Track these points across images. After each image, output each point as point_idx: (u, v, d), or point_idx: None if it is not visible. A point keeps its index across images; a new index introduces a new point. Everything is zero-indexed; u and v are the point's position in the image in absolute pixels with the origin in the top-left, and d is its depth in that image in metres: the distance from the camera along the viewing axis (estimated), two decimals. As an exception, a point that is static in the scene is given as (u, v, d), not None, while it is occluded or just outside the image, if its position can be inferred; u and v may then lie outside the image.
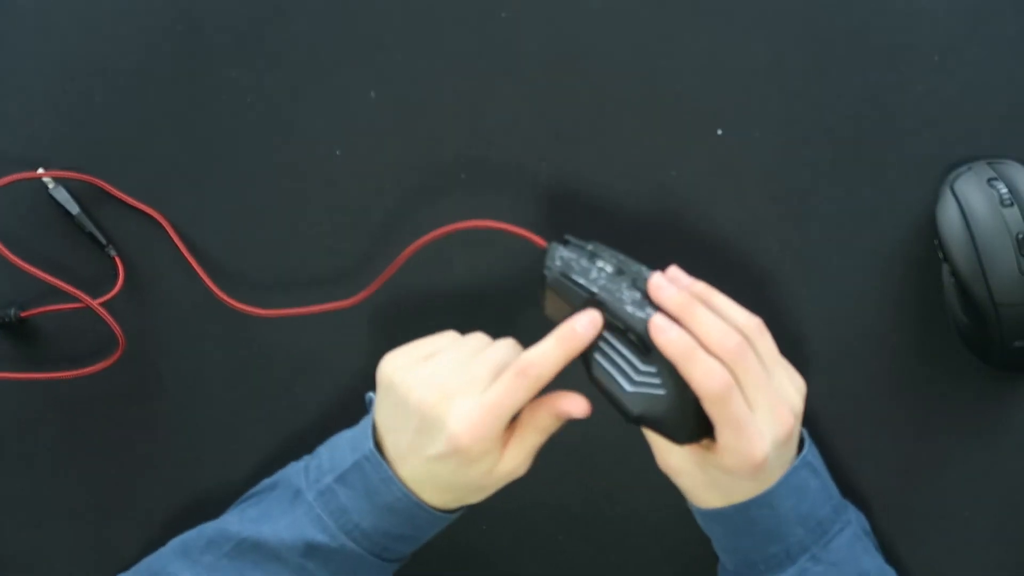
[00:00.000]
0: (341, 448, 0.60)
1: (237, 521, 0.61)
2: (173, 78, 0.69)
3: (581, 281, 0.58)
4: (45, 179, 0.68)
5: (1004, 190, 0.63)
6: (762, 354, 0.56)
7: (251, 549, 0.59)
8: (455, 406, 0.56)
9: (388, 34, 0.69)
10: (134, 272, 0.69)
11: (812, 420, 0.67)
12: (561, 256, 0.59)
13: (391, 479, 0.58)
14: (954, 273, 0.64)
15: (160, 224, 0.68)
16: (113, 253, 0.68)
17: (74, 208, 0.68)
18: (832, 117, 0.67)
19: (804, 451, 0.60)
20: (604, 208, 0.68)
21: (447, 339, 0.61)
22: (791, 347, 0.68)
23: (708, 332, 0.55)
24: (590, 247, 0.60)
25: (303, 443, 0.64)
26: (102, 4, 0.69)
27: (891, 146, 0.67)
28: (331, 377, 0.69)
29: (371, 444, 0.59)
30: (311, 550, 0.59)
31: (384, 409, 0.59)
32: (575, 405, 0.58)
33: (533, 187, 0.68)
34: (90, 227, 0.68)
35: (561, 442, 0.67)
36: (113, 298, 0.67)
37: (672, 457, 0.59)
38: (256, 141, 0.69)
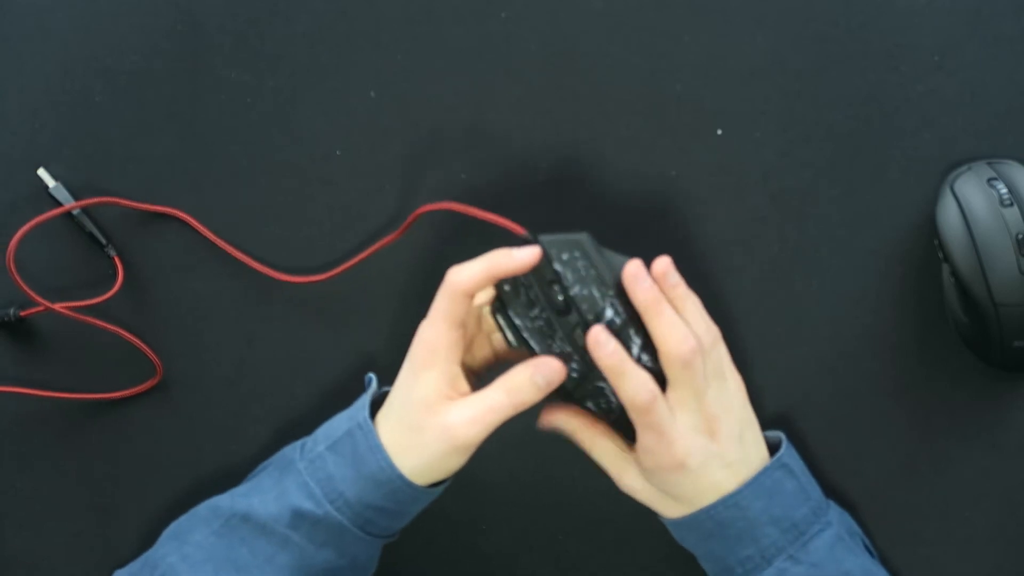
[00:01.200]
0: (337, 421, 0.61)
1: (228, 497, 0.62)
2: (173, 78, 0.69)
3: (516, 322, 0.59)
4: (45, 178, 0.68)
5: (1004, 190, 0.63)
6: (711, 363, 0.59)
7: (240, 523, 0.60)
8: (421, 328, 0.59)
9: (388, 34, 0.69)
10: (134, 272, 0.69)
11: (812, 420, 0.67)
12: (515, 278, 0.59)
13: (377, 447, 0.59)
14: (954, 273, 0.64)
15: (180, 219, 0.68)
16: (113, 253, 0.68)
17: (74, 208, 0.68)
18: (832, 117, 0.67)
19: (780, 453, 0.61)
20: (604, 208, 0.68)
21: None
22: (791, 347, 0.68)
23: (668, 333, 0.57)
24: (564, 256, 0.59)
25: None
26: (102, 4, 0.69)
27: (891, 146, 0.67)
28: (331, 377, 0.69)
29: (365, 415, 0.60)
30: (297, 518, 0.59)
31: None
32: (552, 366, 0.58)
33: (533, 187, 0.68)
34: (90, 227, 0.68)
35: (561, 442, 0.67)
36: (113, 298, 0.67)
37: (625, 477, 0.62)
38: (256, 141, 0.69)
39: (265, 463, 0.64)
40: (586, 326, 0.58)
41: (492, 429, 0.58)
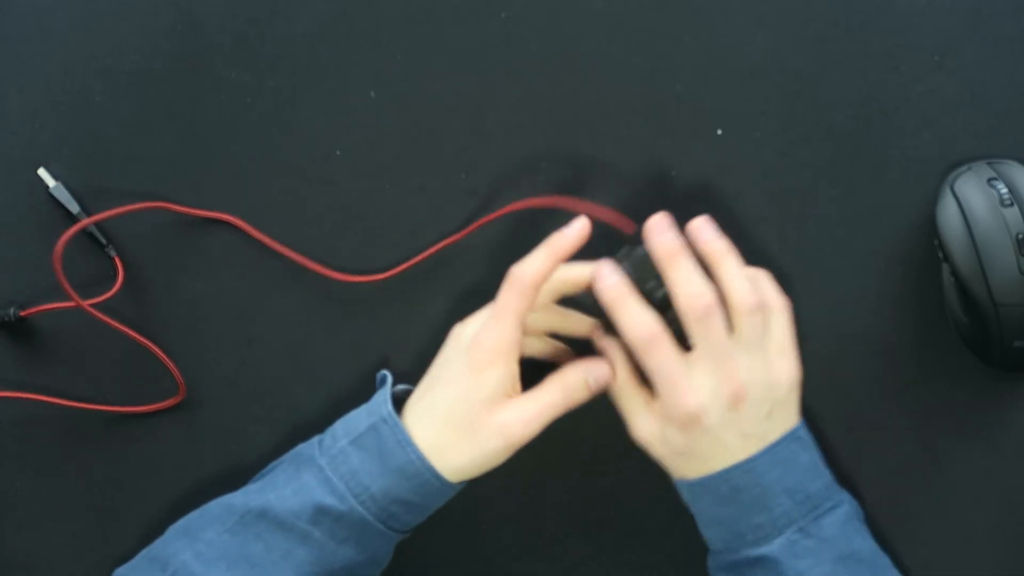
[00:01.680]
0: (356, 416, 0.62)
1: (242, 495, 0.62)
2: (173, 78, 0.69)
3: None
4: (45, 178, 0.68)
5: (1004, 190, 0.63)
6: (749, 328, 0.58)
7: (256, 520, 0.60)
8: (465, 329, 0.61)
9: (388, 34, 0.69)
10: (134, 272, 0.69)
11: (812, 420, 0.67)
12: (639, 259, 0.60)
13: (407, 441, 0.59)
14: (954, 273, 0.64)
15: (162, 217, 0.68)
16: (113, 253, 0.68)
17: (74, 208, 0.68)
18: (832, 117, 0.67)
19: (796, 426, 0.60)
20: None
21: None
22: (791, 347, 0.68)
23: (682, 286, 0.58)
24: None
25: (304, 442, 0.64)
26: (102, 4, 0.69)
27: (891, 146, 0.67)
28: (331, 377, 0.69)
29: (389, 408, 0.60)
30: (320, 514, 0.59)
31: (429, 372, 0.62)
32: (603, 370, 0.61)
33: (533, 187, 0.68)
34: (90, 227, 0.68)
35: (561, 442, 0.67)
36: (112, 298, 0.67)
37: (639, 423, 0.61)
38: (256, 141, 0.69)
39: (276, 462, 0.64)
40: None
41: (544, 427, 0.60)
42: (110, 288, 0.68)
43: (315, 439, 0.63)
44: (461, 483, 0.61)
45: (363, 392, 0.64)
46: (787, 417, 0.61)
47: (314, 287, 0.69)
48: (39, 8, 0.69)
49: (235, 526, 0.60)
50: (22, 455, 0.69)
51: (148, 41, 0.69)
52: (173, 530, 0.62)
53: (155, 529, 0.64)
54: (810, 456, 0.61)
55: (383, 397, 0.61)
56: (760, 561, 0.59)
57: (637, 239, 0.60)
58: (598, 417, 0.69)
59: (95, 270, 0.69)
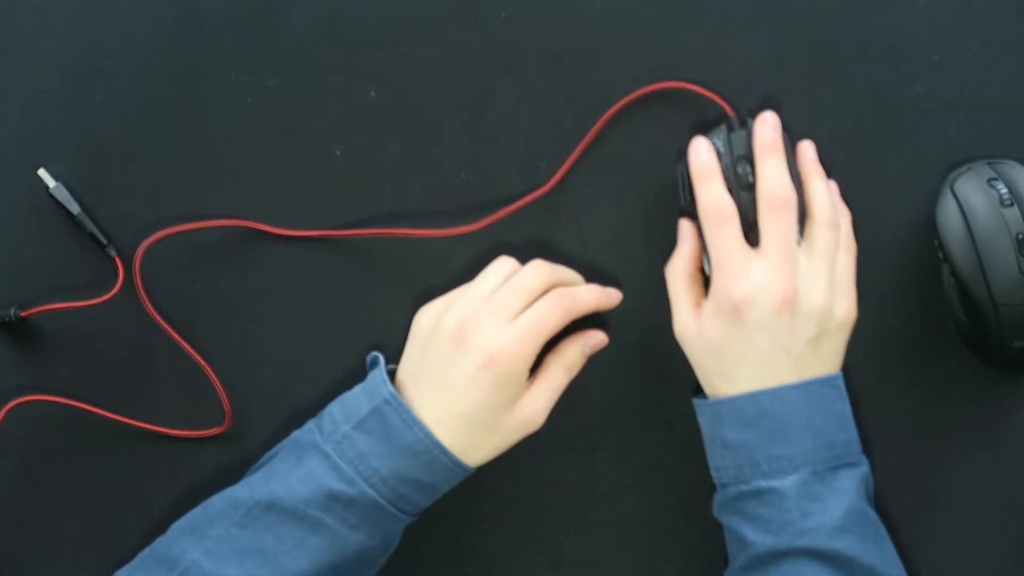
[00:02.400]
0: (354, 400, 0.62)
1: (246, 487, 0.61)
2: (173, 78, 0.69)
3: (689, 187, 0.62)
4: (45, 178, 0.68)
5: (1004, 190, 0.63)
6: (816, 238, 0.60)
7: (264, 512, 0.60)
8: (487, 329, 0.60)
9: (388, 34, 0.69)
10: (134, 272, 0.69)
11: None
12: (713, 144, 0.62)
13: (413, 419, 0.60)
14: (954, 273, 0.64)
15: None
16: (113, 253, 0.68)
17: (75, 208, 0.68)
18: (832, 117, 0.67)
19: (836, 374, 0.60)
20: (604, 208, 0.68)
21: (474, 280, 0.64)
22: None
23: (769, 176, 0.60)
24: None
25: (303, 443, 0.64)
26: (102, 4, 0.69)
27: (891, 146, 0.67)
28: (329, 377, 0.69)
29: (390, 388, 0.60)
30: (330, 500, 0.59)
31: (414, 354, 0.63)
32: (599, 337, 0.65)
33: (533, 187, 0.68)
34: (90, 227, 0.68)
35: (561, 441, 0.67)
36: (113, 298, 0.67)
37: (682, 317, 0.62)
38: (256, 141, 0.69)
39: (273, 451, 0.64)
40: None
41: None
42: (110, 288, 0.68)
43: (311, 424, 0.62)
44: (475, 466, 0.62)
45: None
46: (830, 357, 0.60)
47: (313, 288, 0.69)
48: (39, 8, 0.69)
49: (243, 519, 0.60)
50: (22, 455, 0.69)
51: (148, 41, 0.69)
52: (177, 528, 0.62)
53: (155, 530, 0.64)
54: (843, 407, 0.60)
55: (380, 378, 0.61)
56: (768, 493, 0.58)
57: (732, 125, 0.63)
58: (598, 416, 0.69)
59: (95, 270, 0.69)
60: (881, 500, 0.66)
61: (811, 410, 0.59)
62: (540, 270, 0.63)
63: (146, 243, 0.67)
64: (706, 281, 0.62)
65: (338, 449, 0.60)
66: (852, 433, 0.60)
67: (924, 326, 0.68)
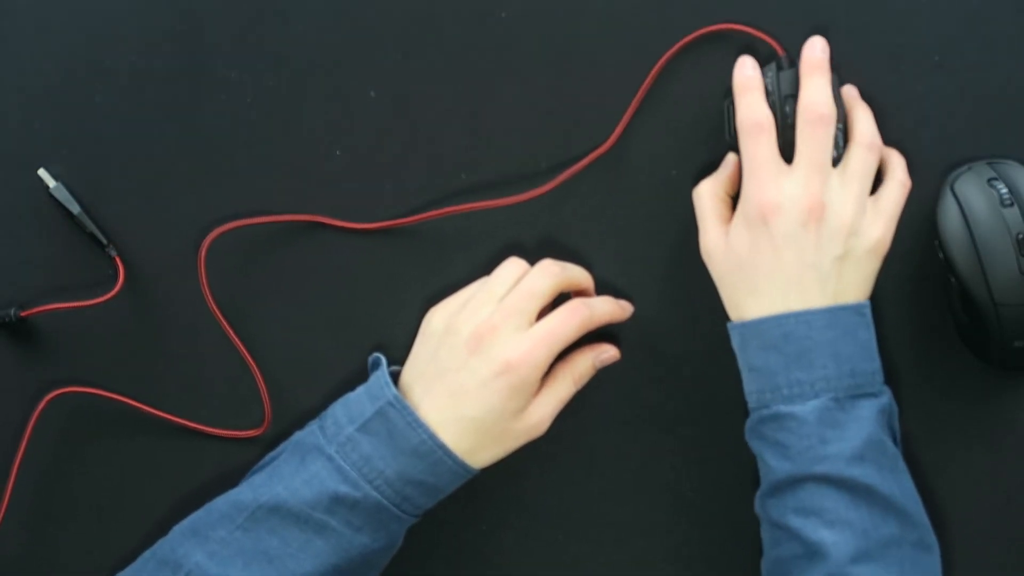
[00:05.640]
0: (357, 402, 0.62)
1: (248, 489, 0.61)
2: (173, 78, 0.69)
3: (734, 122, 0.62)
4: (45, 178, 0.68)
5: (1004, 190, 0.63)
6: (852, 160, 0.61)
7: (268, 515, 0.60)
8: (504, 336, 0.61)
9: (388, 34, 0.69)
10: (135, 272, 0.69)
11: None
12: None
13: (418, 422, 0.60)
14: (954, 273, 0.64)
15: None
16: (113, 253, 0.68)
17: (75, 208, 0.68)
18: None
19: (863, 304, 0.60)
20: (605, 208, 0.68)
21: (480, 282, 0.65)
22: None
23: (812, 92, 0.61)
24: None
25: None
26: (102, 4, 0.69)
27: (891, 146, 0.67)
28: (328, 377, 0.69)
29: (393, 391, 0.60)
30: (335, 502, 0.59)
31: (423, 356, 0.63)
32: (611, 352, 0.66)
33: (533, 187, 0.68)
34: (90, 227, 0.68)
35: (561, 442, 0.67)
36: (113, 298, 0.67)
37: (710, 233, 0.63)
38: (256, 141, 0.69)
39: (275, 452, 0.64)
40: None
41: None
42: (110, 288, 0.68)
43: (314, 425, 0.63)
44: (479, 467, 0.62)
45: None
46: (858, 283, 0.60)
47: (312, 288, 0.69)
48: (39, 8, 0.69)
49: (246, 522, 0.60)
50: (23, 454, 0.69)
51: (148, 41, 0.69)
52: (179, 530, 0.62)
53: (155, 531, 0.64)
54: (868, 337, 0.60)
55: (384, 380, 0.61)
56: (787, 418, 0.58)
57: (781, 64, 0.63)
58: (598, 416, 0.69)
59: (95, 270, 0.69)
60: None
61: (835, 336, 0.59)
62: (550, 271, 0.63)
63: (212, 236, 0.67)
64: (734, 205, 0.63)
65: (342, 451, 0.60)
66: (876, 363, 0.60)
67: (924, 326, 0.68)
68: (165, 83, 0.69)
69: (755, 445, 0.61)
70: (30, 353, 0.69)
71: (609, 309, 0.65)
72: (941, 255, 0.65)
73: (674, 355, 0.68)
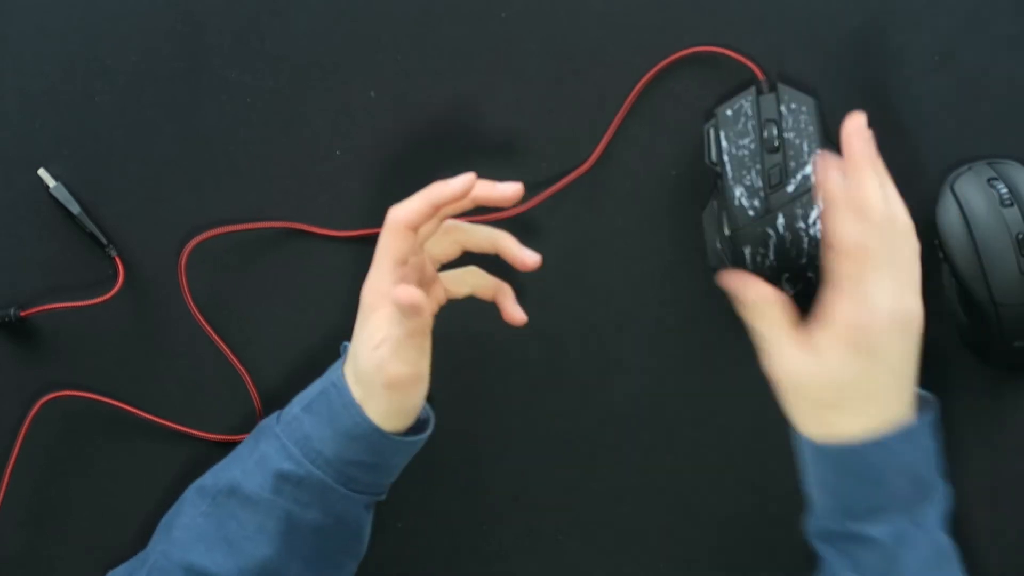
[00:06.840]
0: (312, 385, 0.62)
1: (211, 476, 0.62)
2: (173, 78, 0.69)
3: (723, 143, 0.63)
4: (45, 178, 0.68)
5: (1004, 190, 0.63)
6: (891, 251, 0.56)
7: (226, 498, 0.60)
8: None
9: (388, 34, 0.69)
10: (134, 272, 0.69)
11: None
12: (741, 106, 0.63)
13: (351, 403, 0.59)
14: (954, 273, 0.64)
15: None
16: (113, 253, 0.68)
17: (75, 208, 0.68)
18: (832, 117, 0.67)
19: (935, 404, 0.59)
20: (605, 208, 0.68)
21: None
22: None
23: (866, 190, 0.56)
24: (793, 105, 0.63)
25: (303, 443, 0.64)
26: (102, 4, 0.69)
27: (891, 146, 0.67)
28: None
29: (338, 373, 0.60)
30: (280, 480, 0.59)
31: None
32: (518, 248, 0.61)
33: (533, 187, 0.68)
34: (90, 227, 0.68)
35: (561, 442, 0.67)
36: (113, 298, 0.67)
37: (784, 354, 0.58)
38: (256, 141, 0.69)
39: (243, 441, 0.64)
40: (785, 169, 0.62)
41: (414, 352, 0.59)
42: (110, 288, 0.68)
43: (276, 412, 0.63)
44: (413, 438, 0.61)
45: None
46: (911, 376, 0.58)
47: (313, 285, 0.69)
48: (39, 8, 0.69)
49: (208, 508, 0.61)
50: (22, 454, 0.69)
51: (148, 41, 0.69)
52: (158, 528, 0.63)
53: (150, 531, 0.64)
54: (935, 443, 0.59)
55: (338, 363, 0.62)
56: (867, 542, 0.57)
57: (761, 88, 0.64)
58: (598, 416, 0.69)
59: (95, 270, 0.69)
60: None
61: (914, 456, 0.58)
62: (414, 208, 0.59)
63: (192, 243, 0.67)
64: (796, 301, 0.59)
65: (287, 430, 0.60)
66: (937, 459, 0.59)
67: (924, 326, 0.67)
68: (165, 83, 0.69)
69: (823, 549, 0.60)
70: (30, 353, 0.69)
71: (459, 184, 0.58)
72: (941, 255, 0.65)
73: (674, 355, 0.68)
